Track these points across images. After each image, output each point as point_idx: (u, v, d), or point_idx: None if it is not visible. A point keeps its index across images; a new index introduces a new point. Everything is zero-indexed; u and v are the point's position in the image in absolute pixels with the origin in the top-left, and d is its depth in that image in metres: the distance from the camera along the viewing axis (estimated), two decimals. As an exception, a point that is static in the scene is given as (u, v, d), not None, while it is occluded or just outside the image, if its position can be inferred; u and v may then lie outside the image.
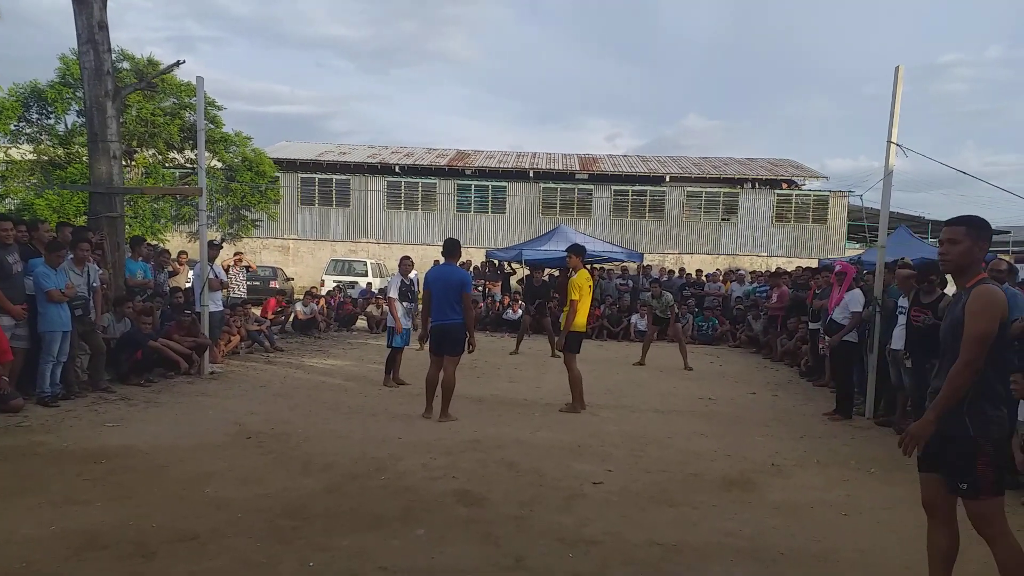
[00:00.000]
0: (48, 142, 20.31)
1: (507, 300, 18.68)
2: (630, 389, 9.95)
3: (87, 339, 8.25)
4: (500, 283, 20.24)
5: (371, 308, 17.40)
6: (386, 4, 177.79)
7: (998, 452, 3.19)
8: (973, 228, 3.32)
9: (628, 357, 13.28)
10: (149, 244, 11.64)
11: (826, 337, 8.84)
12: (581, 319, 8.26)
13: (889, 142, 8.25)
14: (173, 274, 11.85)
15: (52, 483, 4.98)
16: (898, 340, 7.70)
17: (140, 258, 10.49)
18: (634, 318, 17.61)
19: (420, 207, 29.87)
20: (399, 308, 9.46)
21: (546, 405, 8.60)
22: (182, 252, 13.67)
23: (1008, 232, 32.81)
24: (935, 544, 3.42)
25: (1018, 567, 3.14)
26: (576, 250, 8.47)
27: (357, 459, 5.88)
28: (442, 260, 7.88)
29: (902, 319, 7.69)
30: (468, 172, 30.63)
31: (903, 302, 7.75)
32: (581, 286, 8.17)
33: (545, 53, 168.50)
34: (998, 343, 3.12)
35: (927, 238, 29.93)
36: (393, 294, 9.49)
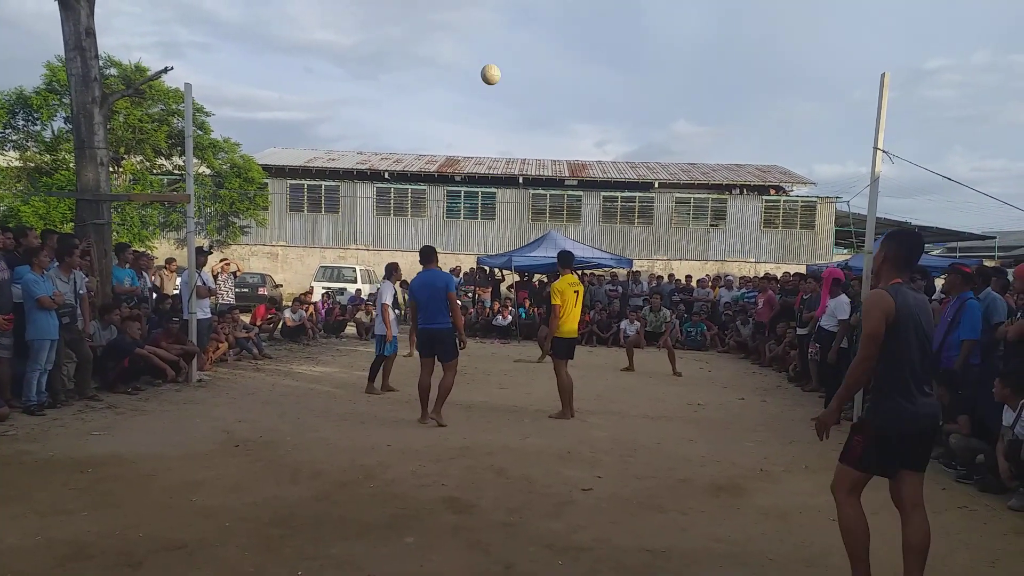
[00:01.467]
0: (34, 148, 20.22)
1: (497, 306, 18.69)
2: (619, 395, 9.96)
3: (74, 347, 8.19)
4: (490, 289, 20.25)
5: (360, 315, 17.36)
6: (375, 9, 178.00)
7: (888, 440, 3.59)
8: (886, 240, 3.75)
9: (617, 363, 13.29)
10: (135, 250, 11.58)
11: (818, 344, 8.88)
12: (568, 325, 8.20)
13: (875, 148, 8.30)
14: (156, 287, 11.77)
15: (37, 492, 4.93)
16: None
17: (126, 265, 10.43)
18: (623, 324, 17.59)
19: (410, 213, 29.84)
20: (392, 315, 9.45)
21: (536, 411, 8.60)
22: (170, 259, 13.60)
23: (994, 237, 33.14)
24: (904, 537, 3.80)
25: (846, 532, 3.80)
26: (559, 257, 8.44)
27: (346, 467, 5.86)
28: (421, 268, 7.97)
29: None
30: (458, 178, 30.64)
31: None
32: (562, 291, 8.10)
33: (535, 59, 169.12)
34: (893, 342, 3.48)
35: (914, 243, 30.14)
36: (387, 300, 9.47)
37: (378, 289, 9.92)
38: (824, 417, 3.81)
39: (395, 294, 9.70)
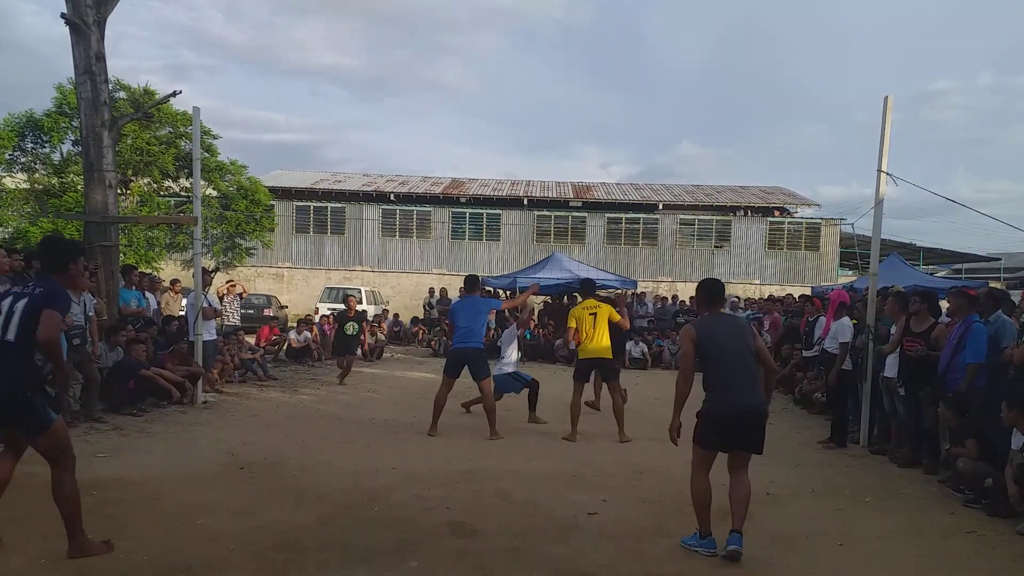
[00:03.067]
0: (43, 171, 20.34)
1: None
2: (625, 418, 9.90)
3: (82, 369, 8.20)
4: (495, 310, 20.24)
5: (365, 336, 17.36)
6: (381, 33, 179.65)
7: (712, 421, 4.85)
8: (696, 288, 5.37)
9: (623, 384, 13.22)
10: (142, 272, 11.63)
11: (822, 367, 8.85)
12: (589, 345, 8.47)
13: (880, 171, 8.33)
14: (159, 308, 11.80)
15: (42, 515, 4.90)
16: (891, 368, 7.72)
17: (132, 286, 10.47)
18: (629, 345, 17.60)
19: (415, 235, 29.92)
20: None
21: (542, 434, 8.58)
22: (175, 280, 13.64)
23: (999, 259, 33.05)
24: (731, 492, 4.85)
25: (694, 495, 4.90)
26: (580, 284, 9.29)
27: (350, 490, 5.84)
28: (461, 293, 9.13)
29: (894, 347, 7.72)
30: (463, 200, 30.75)
31: (894, 330, 7.78)
32: (578, 316, 8.52)
33: (539, 82, 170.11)
34: (703, 356, 4.85)
35: (919, 265, 30.13)
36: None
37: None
38: (671, 426, 5.06)
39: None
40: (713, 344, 4.78)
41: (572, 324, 8.53)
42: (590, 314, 8.46)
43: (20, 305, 4.07)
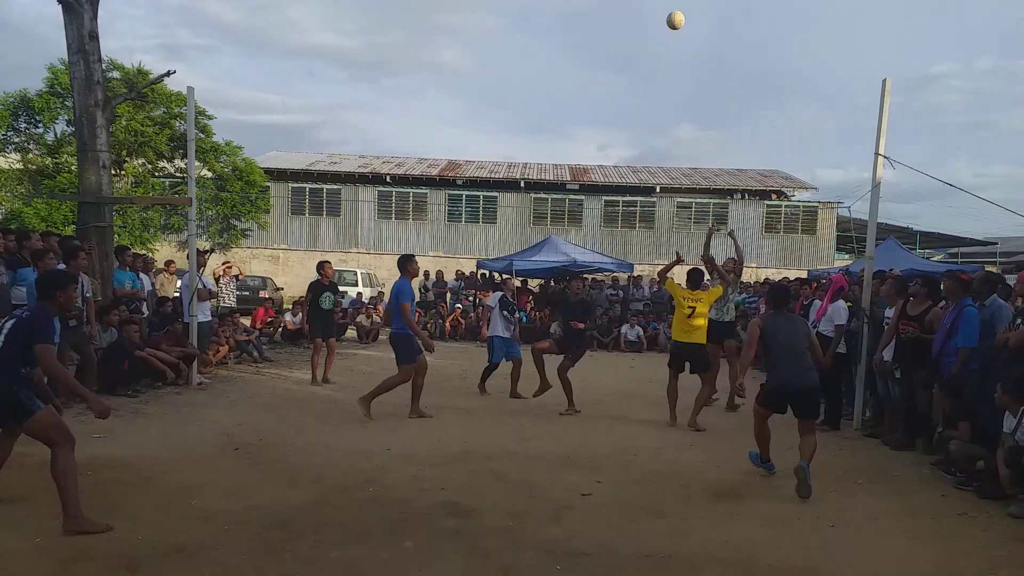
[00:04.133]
0: (36, 151, 20.23)
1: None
2: (620, 400, 9.96)
3: (79, 350, 8.18)
4: (491, 293, 20.23)
5: (361, 318, 17.36)
6: (378, 13, 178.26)
7: (771, 393, 6.11)
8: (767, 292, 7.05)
9: (618, 367, 13.29)
10: (137, 253, 11.59)
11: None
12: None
13: (877, 154, 8.31)
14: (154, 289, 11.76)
15: (38, 495, 4.93)
16: (887, 351, 7.74)
17: (127, 267, 10.43)
18: (624, 328, 17.64)
19: (411, 217, 29.85)
20: (499, 320, 10.07)
21: (537, 415, 8.60)
22: (169, 261, 13.61)
23: (995, 243, 33.06)
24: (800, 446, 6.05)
25: (757, 436, 6.34)
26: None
27: (346, 471, 5.86)
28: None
29: (889, 330, 7.73)
30: (459, 182, 30.66)
31: (890, 313, 7.79)
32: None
33: (537, 64, 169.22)
34: (764, 344, 6.12)
35: (916, 249, 30.15)
36: (493, 304, 10.21)
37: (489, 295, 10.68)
38: (735, 385, 6.89)
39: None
40: (771, 337, 6.07)
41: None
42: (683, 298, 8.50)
43: (8, 325, 4.55)
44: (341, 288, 22.30)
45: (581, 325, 9.26)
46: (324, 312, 10.81)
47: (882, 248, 16.43)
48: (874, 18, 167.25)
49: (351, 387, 10.17)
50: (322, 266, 11.15)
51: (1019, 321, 6.39)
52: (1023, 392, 5.71)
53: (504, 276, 14.77)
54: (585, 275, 19.55)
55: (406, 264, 8.28)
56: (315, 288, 10.88)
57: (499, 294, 10.48)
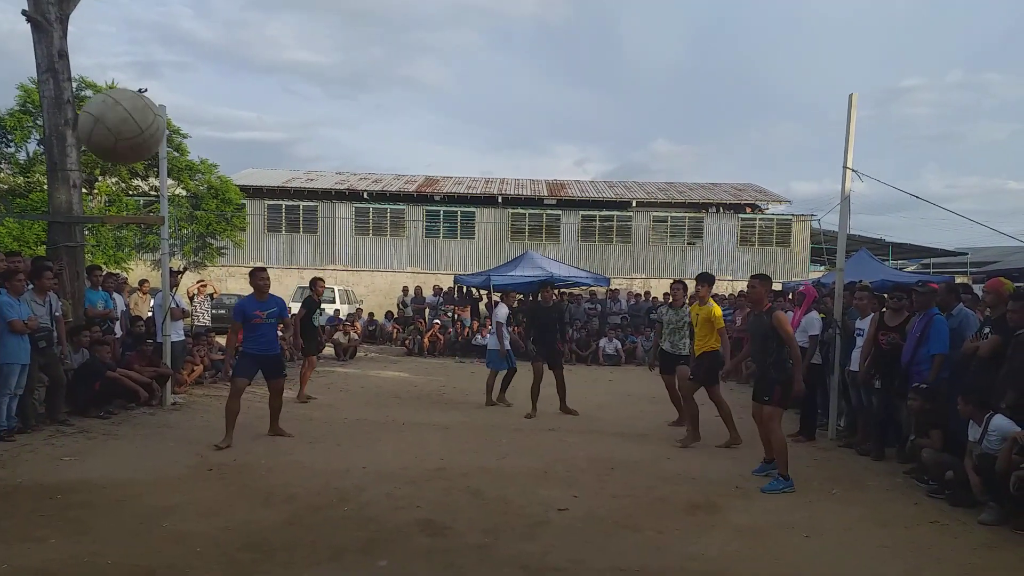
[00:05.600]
0: (8, 170, 20.02)
1: (476, 325, 18.68)
2: (597, 413, 9.97)
3: (47, 371, 8.06)
4: (469, 308, 20.24)
5: (338, 335, 17.27)
6: (355, 30, 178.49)
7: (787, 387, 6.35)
8: (765, 280, 6.63)
9: (596, 381, 13.31)
10: (110, 273, 11.46)
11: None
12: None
13: (845, 167, 8.44)
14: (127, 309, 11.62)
15: (5, 520, 4.85)
16: (857, 362, 7.82)
17: (98, 287, 10.31)
18: (602, 342, 17.69)
19: (389, 233, 29.79)
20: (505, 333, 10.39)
21: (514, 431, 8.59)
22: (144, 280, 13.47)
23: (966, 254, 33.60)
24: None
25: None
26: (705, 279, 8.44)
27: (320, 490, 5.81)
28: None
29: (860, 341, 7.82)
30: (437, 198, 30.66)
31: (861, 324, 7.89)
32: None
33: (514, 80, 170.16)
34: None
35: (887, 260, 30.56)
36: (502, 320, 10.42)
37: (494, 310, 10.79)
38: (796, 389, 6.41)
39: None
40: None
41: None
42: (703, 318, 8.22)
43: None
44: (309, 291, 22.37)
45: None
46: (314, 329, 10.87)
47: (854, 259, 16.68)
48: (846, 33, 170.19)
49: (327, 405, 10.12)
50: (315, 283, 11.14)
51: (987, 330, 6.50)
52: (984, 402, 5.81)
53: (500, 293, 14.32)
54: (558, 287, 19.62)
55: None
56: (309, 304, 10.87)
57: (506, 309, 10.84)
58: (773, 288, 7.96)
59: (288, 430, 8.08)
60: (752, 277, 6.70)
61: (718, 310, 8.25)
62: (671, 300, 9.00)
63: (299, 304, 21.84)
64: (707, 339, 8.16)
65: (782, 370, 6.35)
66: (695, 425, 8.15)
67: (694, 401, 8.18)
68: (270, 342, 7.81)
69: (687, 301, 8.89)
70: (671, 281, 9.44)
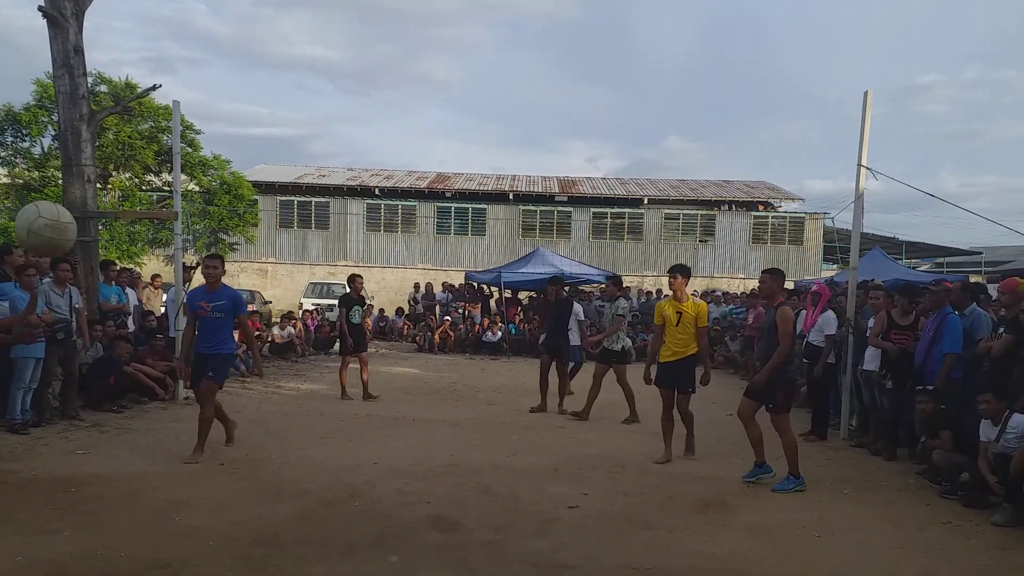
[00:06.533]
0: (23, 165, 20.13)
1: (486, 322, 18.69)
2: (608, 410, 9.94)
3: (65, 364, 8.11)
4: (480, 305, 20.26)
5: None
6: (368, 26, 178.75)
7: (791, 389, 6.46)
8: (776, 274, 6.47)
9: (607, 378, 13.25)
10: (123, 268, 11.54)
11: (807, 360, 8.91)
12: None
13: (859, 165, 8.39)
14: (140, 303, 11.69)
15: (20, 513, 4.89)
16: (870, 361, 7.78)
17: (112, 282, 10.38)
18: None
19: (400, 230, 29.85)
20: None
21: (525, 428, 8.60)
22: (156, 276, 13.55)
23: (980, 253, 33.35)
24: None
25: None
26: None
27: (331, 485, 5.83)
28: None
29: (875, 340, 7.78)
30: (448, 194, 30.70)
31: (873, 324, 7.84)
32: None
33: (526, 76, 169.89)
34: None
35: (901, 259, 30.36)
36: (582, 317, 11.19)
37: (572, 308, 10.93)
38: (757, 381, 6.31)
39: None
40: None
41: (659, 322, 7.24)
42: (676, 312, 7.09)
43: None
44: (328, 301, 22.47)
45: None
46: (354, 326, 10.47)
47: (867, 258, 16.56)
48: (861, 28, 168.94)
49: (338, 400, 10.14)
50: (353, 280, 10.78)
51: (1001, 330, 6.46)
52: (1008, 401, 5.78)
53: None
54: (566, 283, 19.60)
55: None
56: (346, 302, 10.56)
57: (581, 307, 11.47)
58: (786, 284, 7.37)
59: (298, 425, 8.09)
60: (763, 272, 6.50)
61: (704, 307, 7.24)
62: (604, 294, 9.40)
63: (309, 300, 21.91)
64: (689, 342, 7.04)
65: (783, 374, 6.22)
66: (669, 443, 7.23)
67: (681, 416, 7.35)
68: (217, 340, 6.76)
69: (619, 294, 9.37)
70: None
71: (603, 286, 9.61)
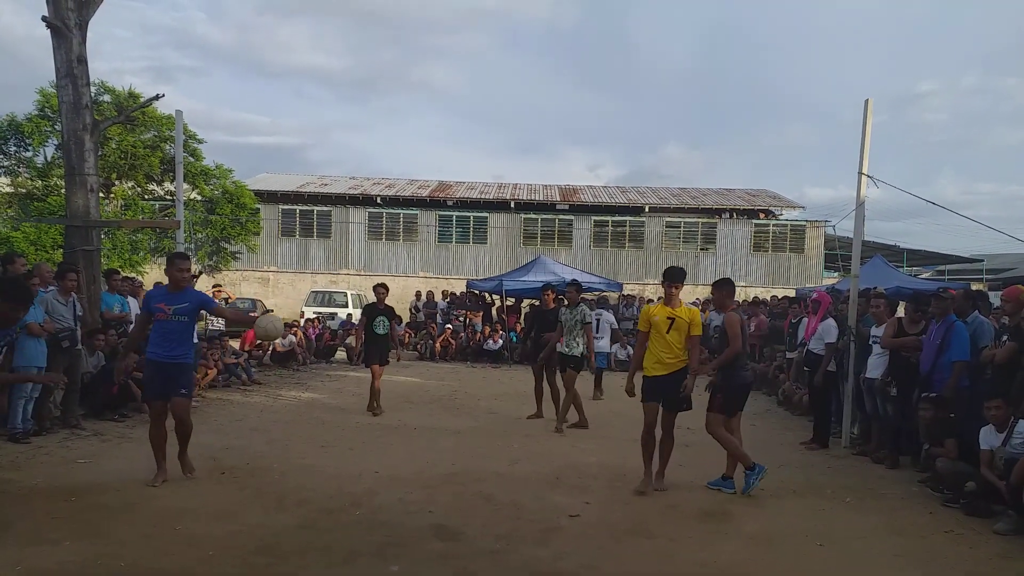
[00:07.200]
0: (26, 174, 20.18)
1: (488, 330, 18.69)
2: (609, 419, 9.94)
3: (70, 373, 8.10)
4: (481, 313, 20.26)
5: (350, 339, 17.30)
6: (367, 33, 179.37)
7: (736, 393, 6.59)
8: (722, 285, 6.98)
9: (608, 386, 13.25)
10: (125, 276, 11.55)
11: (807, 368, 8.90)
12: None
13: (860, 173, 8.40)
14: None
15: (20, 522, 4.89)
16: (873, 369, 7.78)
17: (114, 291, 10.40)
18: (614, 348, 17.63)
19: (401, 238, 29.89)
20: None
21: (526, 436, 8.59)
22: (158, 284, 13.55)
23: (981, 260, 33.34)
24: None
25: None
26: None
27: (333, 494, 5.83)
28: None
29: (876, 348, 7.77)
30: (450, 203, 30.73)
31: (876, 331, 7.84)
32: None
33: (526, 84, 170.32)
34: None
35: (902, 266, 30.35)
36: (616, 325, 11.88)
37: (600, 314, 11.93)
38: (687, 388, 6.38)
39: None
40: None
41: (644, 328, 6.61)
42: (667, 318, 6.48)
43: None
44: (330, 309, 22.48)
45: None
46: (378, 337, 10.04)
47: (868, 266, 16.55)
48: (860, 36, 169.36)
49: (338, 408, 10.14)
50: (376, 289, 10.35)
51: (1004, 337, 6.46)
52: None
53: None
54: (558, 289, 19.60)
55: None
56: (369, 312, 10.19)
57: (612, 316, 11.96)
58: (734, 292, 7.08)
59: (299, 434, 8.09)
60: (712, 284, 7.01)
61: (697, 313, 6.76)
62: (566, 300, 9.41)
63: (311, 308, 21.89)
64: (681, 352, 6.41)
65: (731, 377, 6.42)
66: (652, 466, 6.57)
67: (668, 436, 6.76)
68: (179, 348, 6.03)
69: (580, 301, 9.40)
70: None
71: (568, 292, 9.44)
